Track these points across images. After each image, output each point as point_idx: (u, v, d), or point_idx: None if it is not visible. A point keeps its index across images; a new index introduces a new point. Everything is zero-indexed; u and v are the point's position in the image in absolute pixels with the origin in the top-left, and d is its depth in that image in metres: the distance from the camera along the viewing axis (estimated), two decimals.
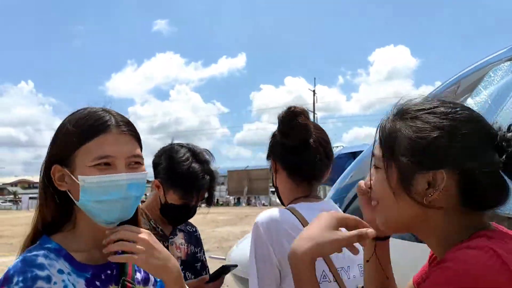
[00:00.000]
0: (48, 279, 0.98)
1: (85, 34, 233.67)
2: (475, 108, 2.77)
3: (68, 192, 1.09)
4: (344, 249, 0.99)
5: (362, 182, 1.10)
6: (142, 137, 1.17)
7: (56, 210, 1.11)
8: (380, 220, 0.99)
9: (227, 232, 16.09)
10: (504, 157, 0.87)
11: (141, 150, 1.14)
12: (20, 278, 0.95)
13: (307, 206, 1.54)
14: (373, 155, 1.01)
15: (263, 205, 46.92)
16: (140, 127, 1.24)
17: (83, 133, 1.06)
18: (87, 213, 1.08)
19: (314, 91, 46.84)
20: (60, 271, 1.01)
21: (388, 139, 0.95)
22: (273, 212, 1.51)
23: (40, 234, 1.11)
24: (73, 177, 1.06)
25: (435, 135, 0.89)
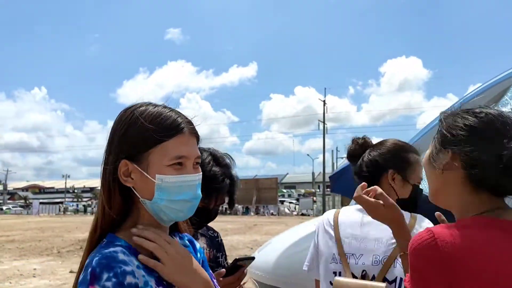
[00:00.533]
0: (133, 274, 0.97)
1: (100, 42, 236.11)
2: None
3: (133, 189, 1.07)
4: (361, 240, 1.63)
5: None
6: None
7: (121, 207, 1.08)
8: (429, 193, 1.22)
9: (237, 241, 16.09)
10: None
11: None
12: (111, 274, 0.93)
13: None
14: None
15: (272, 214, 46.78)
16: None
17: (162, 131, 1.04)
18: (154, 211, 1.07)
19: (324, 101, 46.83)
20: (138, 267, 1.00)
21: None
22: None
23: (104, 231, 1.08)
24: (146, 175, 1.04)
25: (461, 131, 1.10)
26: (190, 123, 1.10)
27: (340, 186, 3.43)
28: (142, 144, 1.05)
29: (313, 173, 68.63)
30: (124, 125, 1.07)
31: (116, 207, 1.07)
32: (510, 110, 2.58)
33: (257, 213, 49.18)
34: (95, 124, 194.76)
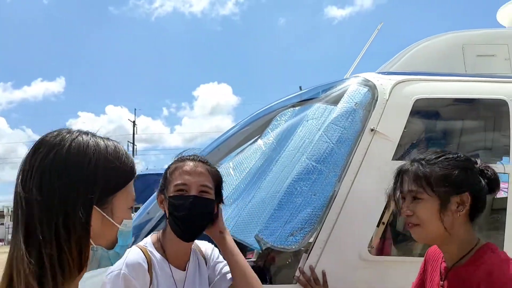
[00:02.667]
0: None
1: None
2: (263, 148, 2.98)
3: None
4: None
5: (402, 212, 1.48)
6: None
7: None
8: (421, 236, 1.46)
9: None
10: (486, 180, 1.44)
11: None
12: None
13: None
14: (408, 191, 1.46)
15: None
16: None
17: (130, 170, 0.97)
18: (99, 260, 0.97)
19: (134, 122, 45.98)
20: None
21: (425, 179, 1.42)
22: None
23: None
24: (112, 221, 0.94)
25: (457, 171, 1.42)
26: None
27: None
28: (113, 186, 0.93)
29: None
30: (90, 162, 0.91)
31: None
32: (271, 141, 2.85)
33: None
34: None
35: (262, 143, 2.91)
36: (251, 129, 3.04)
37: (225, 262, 1.74)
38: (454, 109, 2.82)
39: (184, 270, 1.69)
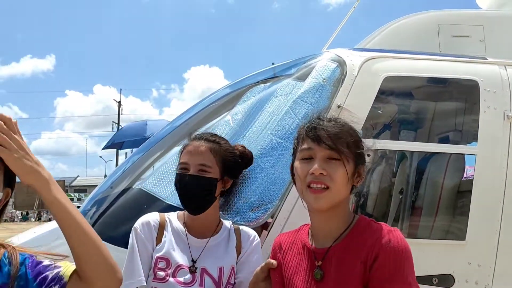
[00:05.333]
0: None
1: None
2: (231, 123, 2.92)
3: None
4: None
5: (315, 169, 1.41)
6: None
7: None
8: (327, 200, 1.41)
9: None
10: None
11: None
12: None
13: None
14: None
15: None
16: None
17: None
18: None
19: (119, 102, 45.54)
20: None
21: (337, 140, 1.43)
22: None
23: None
24: None
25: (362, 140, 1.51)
26: None
27: None
28: None
29: (105, 176, 65.75)
30: None
31: None
32: (240, 117, 2.78)
33: (39, 219, 44.68)
34: None
35: (230, 119, 2.84)
36: (221, 103, 2.97)
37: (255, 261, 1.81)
38: (425, 89, 2.78)
39: (205, 238, 1.82)
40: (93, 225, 2.32)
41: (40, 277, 1.14)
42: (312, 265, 1.45)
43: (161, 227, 1.81)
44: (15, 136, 1.08)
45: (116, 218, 2.37)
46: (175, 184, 1.84)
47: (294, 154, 1.55)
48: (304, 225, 1.63)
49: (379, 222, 1.46)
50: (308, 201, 1.46)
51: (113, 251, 2.06)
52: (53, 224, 2.52)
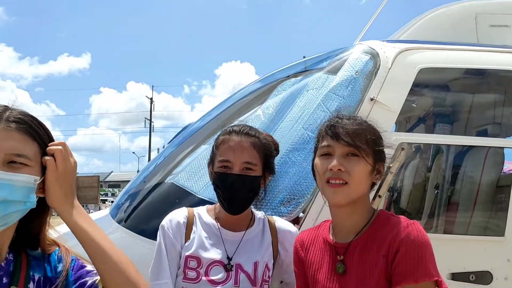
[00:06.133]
0: None
1: None
2: (262, 118, 2.90)
3: None
4: None
5: (334, 165, 1.42)
6: None
7: None
8: (345, 195, 1.41)
9: None
10: None
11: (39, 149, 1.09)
12: None
13: None
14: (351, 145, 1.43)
15: (91, 213, 44.12)
16: None
17: None
18: None
19: (151, 99, 46.24)
20: None
21: (355, 137, 1.43)
22: None
23: None
24: None
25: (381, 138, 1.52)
26: (12, 117, 1.06)
27: None
28: None
29: (138, 171, 66.82)
30: None
31: None
32: (271, 111, 2.77)
33: None
34: None
35: (261, 113, 2.82)
36: (252, 97, 2.95)
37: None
38: (462, 80, 2.69)
39: (240, 232, 1.75)
40: (126, 219, 2.39)
41: (80, 281, 1.16)
42: (334, 260, 1.47)
43: (190, 223, 1.74)
44: (71, 159, 1.12)
45: (149, 211, 2.40)
46: (215, 184, 1.72)
47: (315, 152, 1.56)
48: (325, 221, 1.64)
49: (398, 216, 1.45)
50: (327, 196, 1.47)
51: (145, 244, 2.12)
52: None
